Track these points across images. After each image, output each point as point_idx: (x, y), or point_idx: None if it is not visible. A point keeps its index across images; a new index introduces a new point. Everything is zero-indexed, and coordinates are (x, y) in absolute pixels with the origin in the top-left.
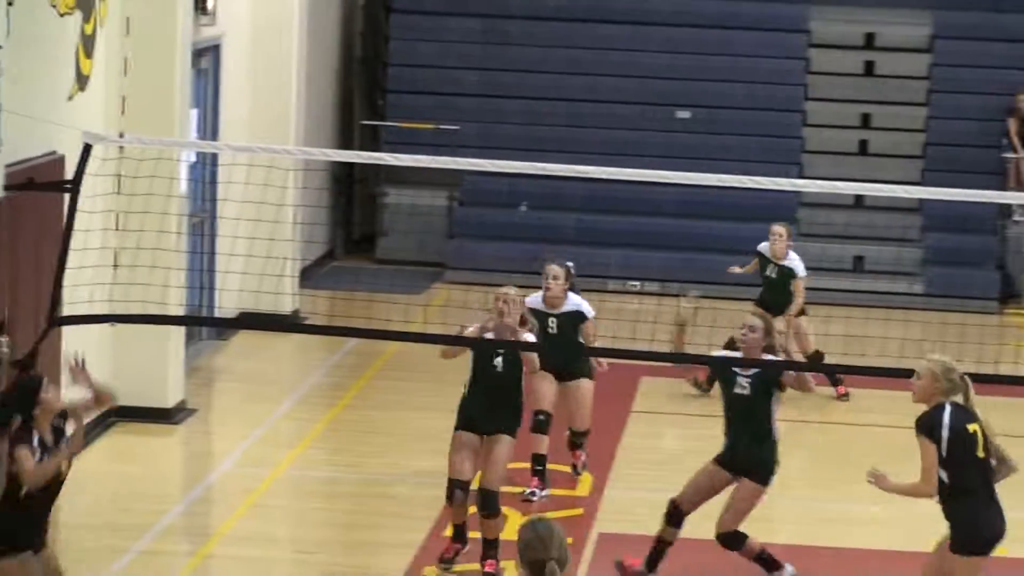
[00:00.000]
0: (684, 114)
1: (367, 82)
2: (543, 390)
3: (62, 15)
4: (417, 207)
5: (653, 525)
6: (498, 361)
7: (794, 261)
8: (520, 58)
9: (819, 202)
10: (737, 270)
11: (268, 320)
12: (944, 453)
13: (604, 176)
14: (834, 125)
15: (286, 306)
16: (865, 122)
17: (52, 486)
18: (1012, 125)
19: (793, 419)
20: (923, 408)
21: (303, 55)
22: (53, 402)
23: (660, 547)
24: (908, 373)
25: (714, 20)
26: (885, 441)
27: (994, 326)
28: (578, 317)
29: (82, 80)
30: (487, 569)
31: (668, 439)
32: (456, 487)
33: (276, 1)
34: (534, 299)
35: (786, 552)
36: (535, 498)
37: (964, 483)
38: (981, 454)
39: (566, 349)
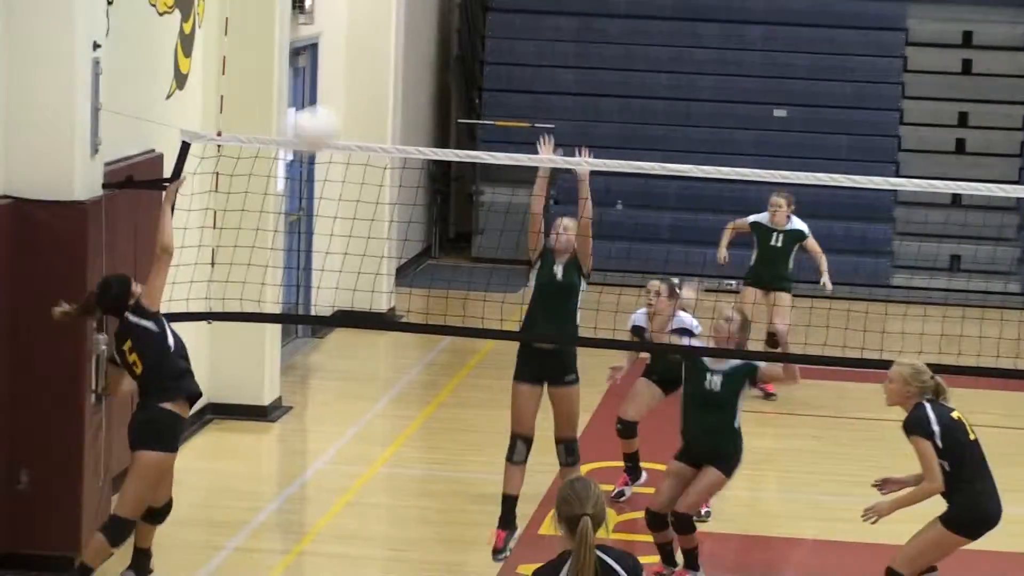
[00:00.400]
0: (781, 112)
1: (464, 80)
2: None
3: (161, 14)
4: (513, 205)
5: (749, 524)
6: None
7: (798, 223)
8: (615, 57)
9: (916, 201)
10: (724, 256)
11: (364, 318)
12: (940, 445)
13: (700, 175)
14: (931, 124)
15: (382, 304)
16: (962, 120)
17: None
18: None
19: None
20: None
21: (400, 53)
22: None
23: (667, 547)
24: (1006, 373)
25: (811, 18)
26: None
27: None
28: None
29: (180, 79)
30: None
31: (760, 438)
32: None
33: (373, 0)
34: (639, 315)
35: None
36: (623, 498)
37: (965, 469)
38: (972, 437)
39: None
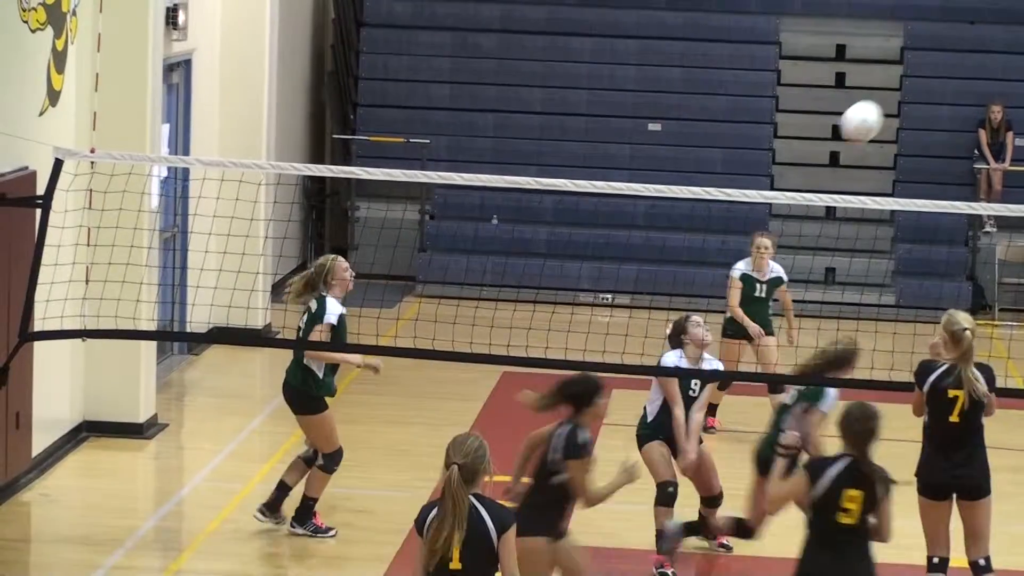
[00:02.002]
0: (655, 126)
1: (338, 96)
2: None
3: (33, 31)
4: (388, 220)
5: (625, 537)
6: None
7: (778, 269)
8: (490, 71)
9: (790, 214)
10: (758, 331)
11: (239, 335)
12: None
13: (575, 189)
14: (805, 137)
15: (257, 320)
16: (836, 134)
17: None
18: (983, 136)
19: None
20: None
21: (274, 69)
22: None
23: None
24: (879, 385)
25: (684, 32)
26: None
27: None
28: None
29: (53, 96)
30: None
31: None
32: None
33: (247, 16)
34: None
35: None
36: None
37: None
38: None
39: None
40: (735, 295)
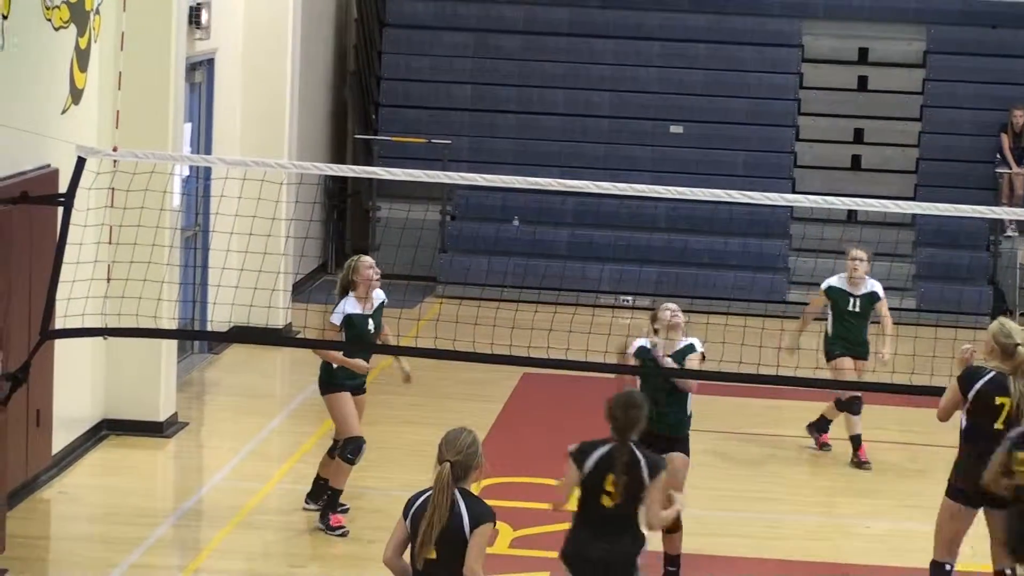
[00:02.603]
0: (677, 129)
1: (360, 96)
2: None
3: (56, 29)
4: (409, 221)
5: None
6: None
7: (873, 283)
8: (512, 72)
9: (811, 217)
10: (791, 345)
11: (260, 334)
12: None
13: (596, 191)
14: (827, 140)
15: (278, 320)
16: (858, 137)
17: None
18: (1005, 140)
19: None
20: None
21: (296, 69)
22: None
23: None
24: (899, 388)
25: (707, 35)
26: (875, 456)
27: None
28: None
29: (76, 94)
30: None
31: None
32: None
33: (270, 15)
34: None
35: (781, 567)
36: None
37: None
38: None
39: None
40: (813, 307)
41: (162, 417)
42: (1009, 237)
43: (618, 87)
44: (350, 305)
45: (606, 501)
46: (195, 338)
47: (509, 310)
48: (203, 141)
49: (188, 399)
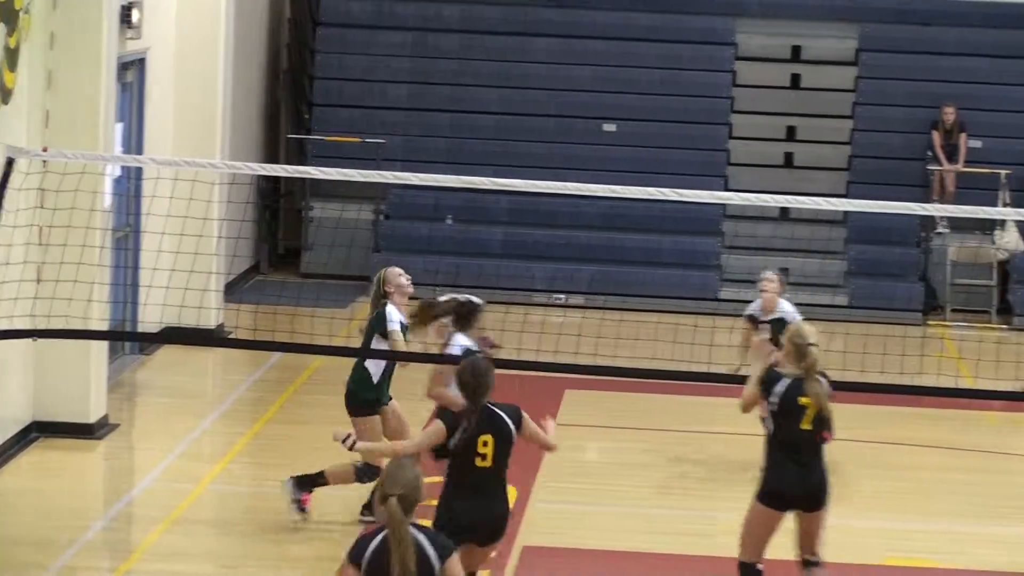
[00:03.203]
0: (610, 127)
1: (293, 95)
2: None
3: None
4: (343, 221)
5: (577, 537)
6: None
7: (785, 307)
8: (446, 72)
9: (744, 214)
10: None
11: (192, 335)
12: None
13: (530, 189)
14: (760, 138)
15: (210, 320)
16: (791, 134)
17: None
18: (936, 137)
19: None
20: None
21: (229, 68)
22: None
23: None
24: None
25: (641, 33)
26: None
27: (917, 338)
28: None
29: (5, 94)
30: None
31: (591, 452)
32: None
33: (202, 15)
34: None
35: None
36: None
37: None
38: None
39: None
40: (744, 338)
41: (93, 419)
42: (940, 234)
43: (553, 86)
44: (397, 312)
45: (480, 463)
46: (126, 339)
47: None
48: (135, 141)
49: (119, 400)
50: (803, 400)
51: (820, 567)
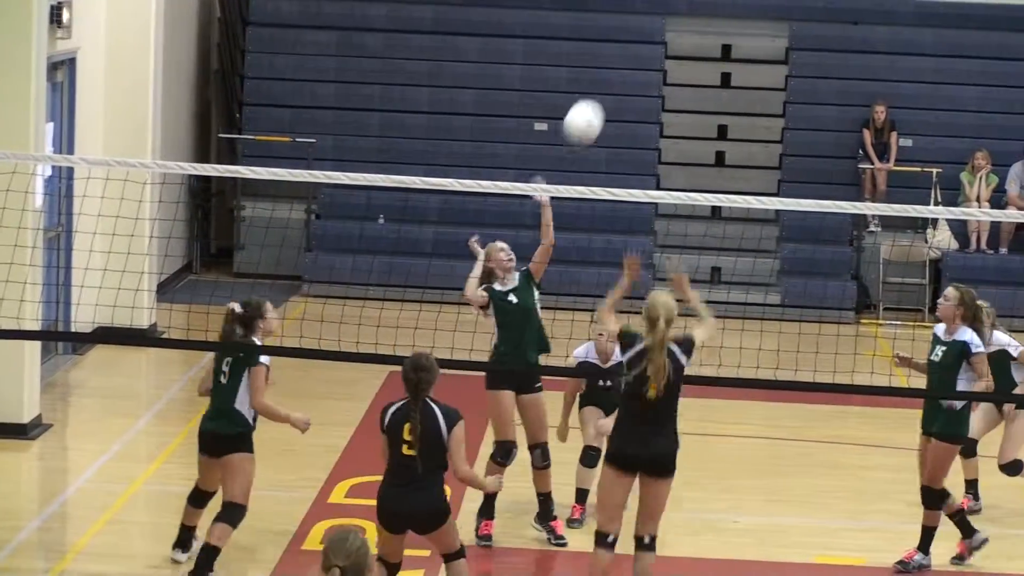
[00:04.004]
0: (541, 126)
1: (224, 95)
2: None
3: None
4: (274, 220)
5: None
6: None
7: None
8: (376, 71)
9: (676, 213)
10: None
11: (125, 334)
12: None
13: (461, 189)
14: (691, 137)
15: (143, 320)
16: (722, 133)
17: None
18: (867, 136)
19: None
20: None
21: (160, 68)
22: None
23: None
24: (762, 384)
25: (570, 32)
26: (741, 452)
27: (850, 336)
28: None
29: None
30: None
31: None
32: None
33: (132, 14)
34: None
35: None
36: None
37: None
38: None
39: None
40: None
41: (26, 419)
42: (872, 232)
43: (482, 85)
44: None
45: (406, 450)
46: (59, 339)
47: (375, 309)
48: (65, 141)
49: (52, 400)
50: (648, 369)
51: (651, 553)
